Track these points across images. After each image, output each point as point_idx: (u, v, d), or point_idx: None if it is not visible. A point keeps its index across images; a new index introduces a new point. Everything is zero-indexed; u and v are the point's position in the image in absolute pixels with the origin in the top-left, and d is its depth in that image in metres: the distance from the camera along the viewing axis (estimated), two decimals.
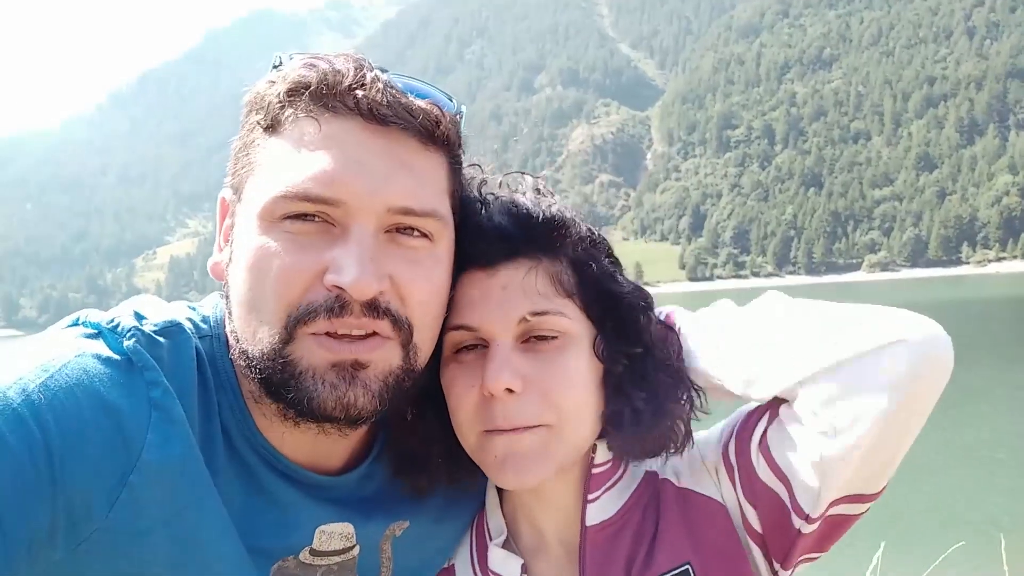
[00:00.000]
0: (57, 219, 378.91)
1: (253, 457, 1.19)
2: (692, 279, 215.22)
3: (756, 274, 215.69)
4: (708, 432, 1.38)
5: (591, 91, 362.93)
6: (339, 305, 1.08)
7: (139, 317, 1.12)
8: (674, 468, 1.38)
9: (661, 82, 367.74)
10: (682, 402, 1.31)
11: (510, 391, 1.22)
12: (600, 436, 1.34)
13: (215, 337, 1.20)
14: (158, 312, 1.15)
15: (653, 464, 1.38)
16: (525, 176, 1.37)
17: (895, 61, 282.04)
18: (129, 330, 1.08)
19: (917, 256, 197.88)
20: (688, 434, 1.33)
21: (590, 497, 1.32)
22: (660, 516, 1.33)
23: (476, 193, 1.31)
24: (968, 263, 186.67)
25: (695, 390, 1.32)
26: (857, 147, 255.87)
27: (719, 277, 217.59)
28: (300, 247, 1.09)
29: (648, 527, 1.32)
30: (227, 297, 1.18)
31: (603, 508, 1.32)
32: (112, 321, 1.09)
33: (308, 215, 1.09)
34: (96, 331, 1.08)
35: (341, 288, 1.07)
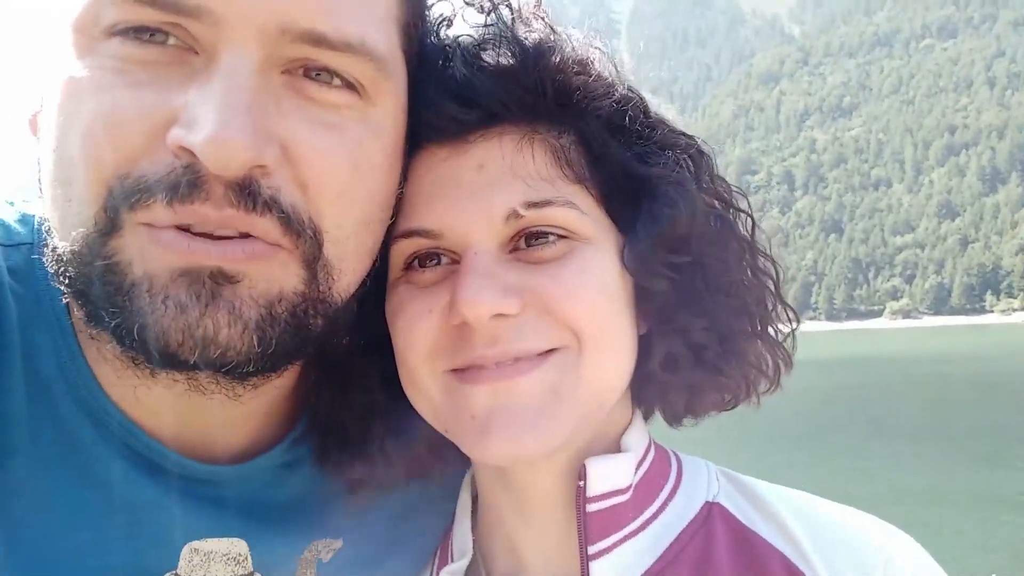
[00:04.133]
0: None
1: (85, 427, 0.78)
2: None
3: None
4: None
5: None
6: (187, 180, 0.67)
7: None
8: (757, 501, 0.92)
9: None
10: (765, 328, 0.92)
11: (501, 316, 0.79)
12: (648, 395, 0.94)
13: (35, 246, 0.79)
14: None
15: (718, 491, 0.93)
16: None
17: (915, 110, 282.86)
18: None
19: (940, 304, 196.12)
20: (778, 375, 0.93)
21: (592, 550, 0.85)
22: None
23: (438, 35, 0.87)
24: (992, 311, 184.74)
25: (785, 308, 0.92)
26: (878, 194, 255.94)
27: None
28: (135, 83, 0.68)
29: None
30: (38, 163, 0.76)
31: (619, 567, 0.85)
32: None
33: (154, 31, 0.68)
34: None
35: (192, 154, 0.66)
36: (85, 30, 0.68)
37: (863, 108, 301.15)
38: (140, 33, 0.67)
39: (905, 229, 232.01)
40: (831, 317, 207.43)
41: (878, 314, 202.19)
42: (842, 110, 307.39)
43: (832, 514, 0.90)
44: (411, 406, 0.88)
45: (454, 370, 0.82)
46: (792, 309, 0.93)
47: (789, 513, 0.88)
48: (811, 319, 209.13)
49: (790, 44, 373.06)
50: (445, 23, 0.87)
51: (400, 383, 0.88)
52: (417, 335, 0.82)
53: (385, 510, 0.96)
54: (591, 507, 0.84)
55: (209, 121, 0.64)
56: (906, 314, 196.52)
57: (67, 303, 0.78)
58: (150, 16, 0.66)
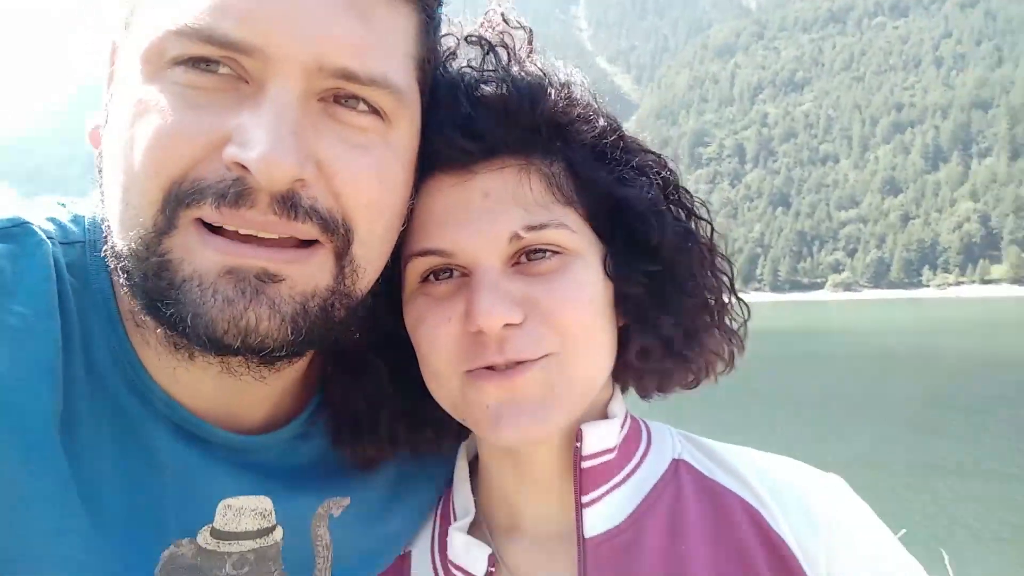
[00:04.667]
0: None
1: (134, 403, 0.88)
2: None
3: None
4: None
5: None
6: (237, 191, 0.76)
7: None
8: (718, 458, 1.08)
9: (636, 97, 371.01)
10: (723, 321, 1.08)
11: (509, 325, 0.92)
12: (625, 376, 1.09)
13: (89, 244, 0.89)
14: (3, 209, 0.85)
15: (682, 450, 1.10)
16: (515, 29, 1.03)
17: (865, 86, 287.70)
18: None
19: (879, 278, 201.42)
20: (732, 358, 1.10)
21: (586, 499, 1.00)
22: (687, 523, 1.01)
23: (447, 69, 0.98)
24: (929, 286, 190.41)
25: (739, 302, 1.09)
26: (825, 169, 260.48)
27: None
28: (195, 105, 0.77)
29: (677, 539, 0.99)
30: (99, 171, 0.86)
31: (607, 512, 1.00)
32: None
33: (211, 61, 0.78)
34: None
35: (245, 168, 0.76)
36: (152, 60, 0.77)
37: (815, 83, 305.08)
38: (199, 63, 0.77)
39: (849, 204, 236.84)
40: (775, 288, 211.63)
41: (820, 286, 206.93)
42: (794, 85, 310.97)
43: (783, 465, 1.08)
44: (413, 394, 1.03)
45: (469, 371, 0.94)
46: (745, 304, 1.08)
47: (742, 464, 1.05)
48: (756, 290, 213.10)
49: (746, 17, 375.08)
50: (451, 56, 0.98)
51: (405, 376, 1.02)
52: (439, 341, 0.95)
53: (386, 473, 1.09)
54: (585, 464, 0.99)
55: (261, 142, 0.74)
56: (847, 287, 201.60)
57: (115, 294, 0.87)
58: (209, 51, 0.76)
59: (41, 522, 0.78)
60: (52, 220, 0.88)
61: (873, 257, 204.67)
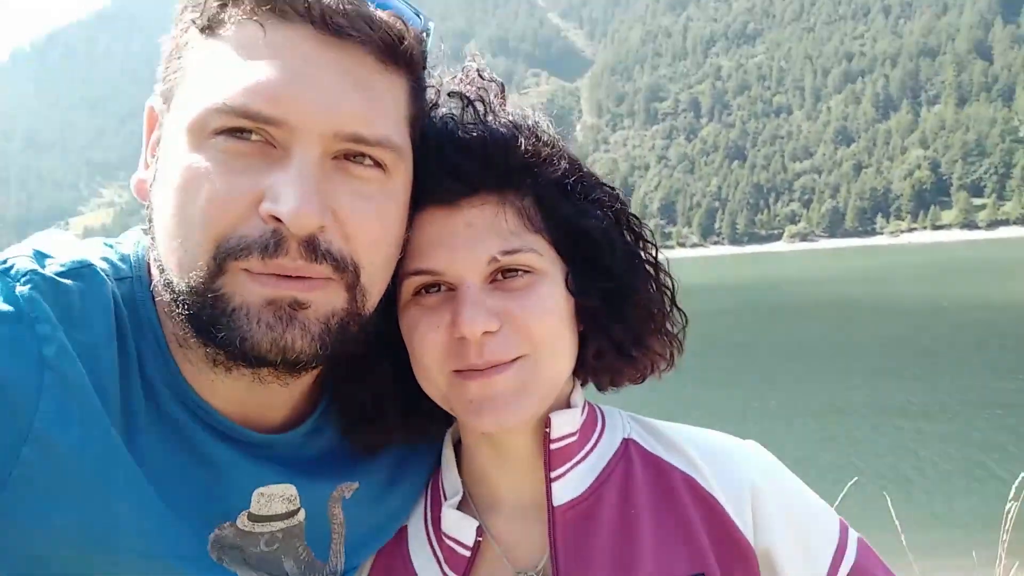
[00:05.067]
0: None
1: (180, 411, 1.07)
2: None
3: (682, 244, 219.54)
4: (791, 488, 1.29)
5: (521, 61, 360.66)
6: (275, 242, 0.96)
7: (40, 257, 0.98)
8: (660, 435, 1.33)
9: (590, 53, 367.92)
10: (666, 326, 1.29)
11: (488, 333, 1.14)
12: (584, 373, 1.31)
13: (136, 279, 1.07)
14: (66, 251, 1.01)
15: (631, 430, 1.33)
16: (488, 83, 1.24)
17: (815, 37, 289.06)
18: (24, 274, 0.93)
19: (835, 227, 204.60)
20: (672, 357, 1.33)
21: (554, 475, 1.23)
22: (637, 491, 1.25)
23: (432, 118, 1.18)
24: (882, 233, 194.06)
25: (679, 312, 1.31)
26: (779, 121, 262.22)
27: None
28: (234, 169, 0.95)
29: (628, 504, 1.23)
30: (150, 220, 1.05)
31: (572, 485, 1.23)
32: (5, 262, 0.95)
33: (246, 131, 0.96)
34: None
35: (278, 220, 0.95)
36: (196, 131, 0.96)
37: (766, 35, 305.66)
38: (236, 133, 0.95)
39: (804, 155, 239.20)
40: (734, 241, 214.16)
41: (778, 237, 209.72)
42: (746, 37, 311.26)
43: (711, 437, 1.32)
44: (408, 389, 1.23)
45: (455, 371, 1.16)
46: (683, 312, 1.32)
47: (679, 439, 1.30)
48: (715, 244, 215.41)
49: None
50: (435, 106, 1.19)
51: (403, 374, 1.23)
52: (429, 345, 1.16)
53: (386, 459, 1.30)
54: (553, 446, 1.23)
55: (291, 198, 0.94)
56: (803, 237, 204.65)
57: (160, 321, 1.06)
58: (244, 123, 0.95)
59: (125, 504, 0.97)
60: (105, 259, 1.06)
61: (828, 207, 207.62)
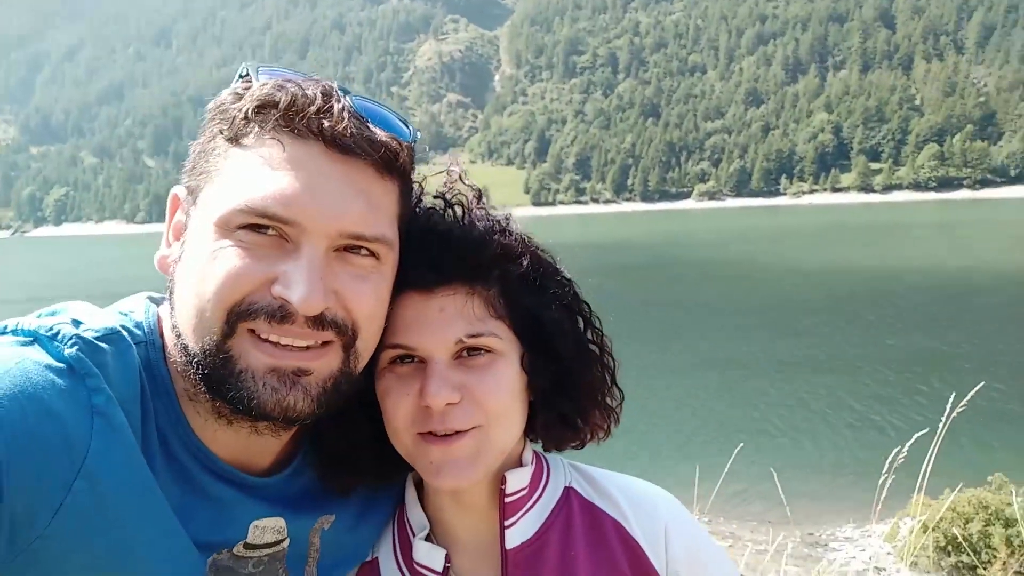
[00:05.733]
0: None
1: (188, 458, 1.22)
2: (536, 204, 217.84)
3: (596, 200, 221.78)
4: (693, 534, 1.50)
5: (439, 5, 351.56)
6: (282, 314, 1.14)
7: (77, 324, 1.13)
8: (596, 484, 1.53)
9: (510, 1, 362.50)
10: (606, 403, 1.50)
11: (450, 404, 1.31)
12: (533, 439, 1.52)
13: (149, 343, 1.23)
14: (96, 319, 1.18)
15: (571, 478, 1.53)
16: (468, 187, 1.44)
17: None
18: (70, 337, 1.09)
19: (741, 186, 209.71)
20: (609, 428, 1.53)
21: (507, 523, 1.42)
22: (575, 535, 1.45)
23: (416, 212, 1.38)
24: (785, 194, 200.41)
25: (618, 389, 1.51)
26: (693, 80, 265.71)
27: (561, 203, 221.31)
28: (252, 255, 1.14)
29: (568, 547, 1.44)
30: (171, 292, 1.23)
31: (521, 531, 1.43)
32: (51, 328, 1.10)
33: (263, 227, 1.14)
34: (31, 338, 1.09)
35: (287, 300, 1.13)
36: (222, 226, 1.14)
37: None
38: (255, 228, 1.14)
39: (715, 115, 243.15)
40: (645, 198, 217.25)
41: (687, 195, 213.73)
42: None
43: (635, 486, 1.54)
44: (382, 443, 1.41)
45: (419, 433, 1.34)
46: (620, 390, 1.52)
47: (612, 488, 1.51)
48: (628, 200, 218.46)
49: None
50: (419, 201, 1.39)
51: (376, 428, 1.41)
52: (399, 409, 1.34)
53: (357, 496, 1.48)
54: (507, 499, 1.42)
55: (301, 286, 1.13)
56: (712, 196, 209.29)
57: (171, 379, 1.22)
58: (263, 221, 1.13)
59: (154, 531, 1.13)
60: (124, 327, 1.20)
61: (736, 167, 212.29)
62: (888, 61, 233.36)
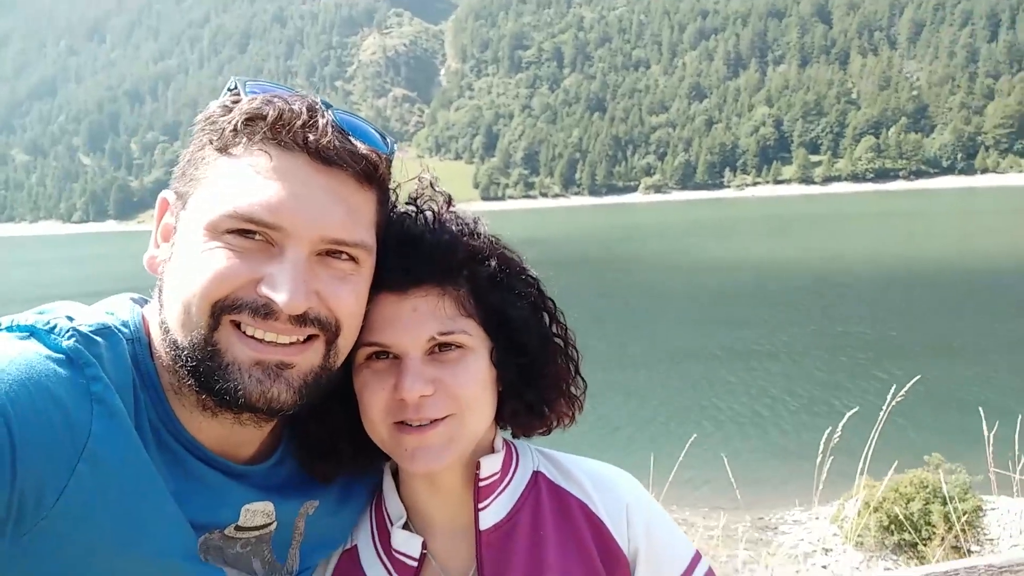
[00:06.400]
0: None
1: (178, 447, 1.28)
2: (485, 199, 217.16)
3: (544, 195, 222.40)
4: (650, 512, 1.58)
5: None
6: (266, 311, 1.20)
7: (70, 319, 1.19)
8: (561, 467, 1.62)
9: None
10: (570, 392, 1.57)
11: (424, 396, 1.38)
12: (503, 426, 1.59)
13: (136, 340, 1.28)
14: (87, 316, 1.23)
15: (539, 463, 1.61)
16: (437, 194, 1.50)
17: None
18: (67, 330, 1.15)
19: (687, 179, 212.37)
20: (574, 416, 1.60)
21: (480, 506, 1.50)
22: (544, 516, 1.53)
23: (392, 217, 1.44)
24: (729, 187, 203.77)
25: (582, 379, 1.59)
26: (638, 75, 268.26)
27: (511, 197, 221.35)
28: (239, 257, 1.20)
29: (537, 527, 1.52)
30: (160, 291, 1.28)
31: (494, 512, 1.51)
32: (48, 323, 1.15)
33: (250, 232, 1.20)
34: (28, 332, 1.15)
35: (272, 300, 1.20)
36: (211, 230, 1.20)
37: None
38: (243, 232, 1.20)
39: (660, 109, 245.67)
40: (593, 192, 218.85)
41: (634, 189, 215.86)
42: None
43: (598, 468, 1.62)
44: (359, 434, 1.48)
45: (395, 423, 1.41)
46: (584, 380, 1.60)
47: (577, 471, 1.60)
48: (576, 194, 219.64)
49: None
50: (394, 207, 1.46)
51: (354, 420, 1.47)
52: (375, 402, 1.41)
53: (338, 483, 1.55)
54: (481, 483, 1.50)
55: (285, 287, 1.19)
56: (658, 189, 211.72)
57: (157, 373, 1.28)
58: (250, 226, 1.19)
59: (153, 510, 1.19)
60: (112, 324, 1.26)
61: (681, 160, 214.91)
62: (826, 56, 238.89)
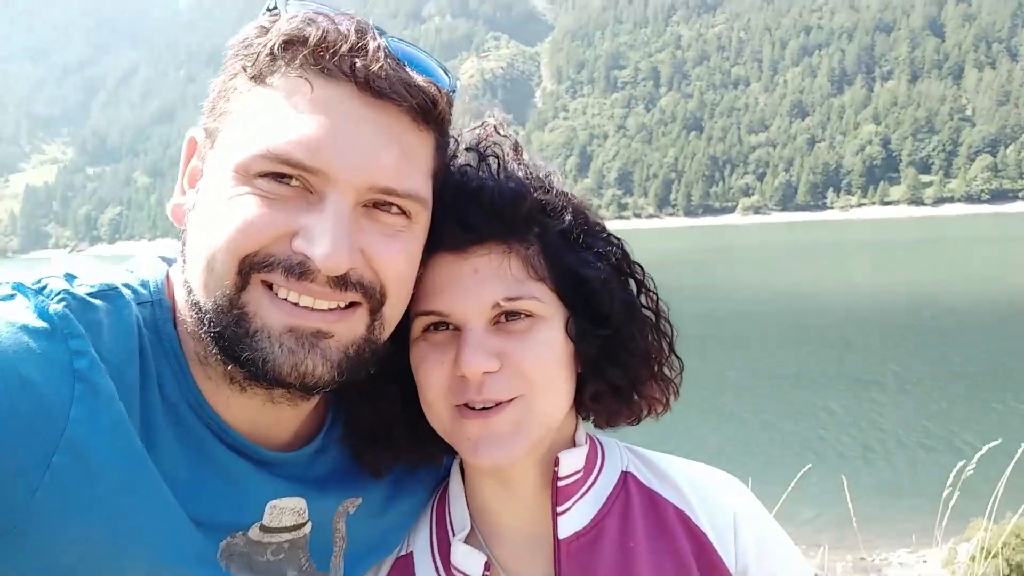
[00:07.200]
0: None
1: (199, 427, 1.13)
2: None
3: (638, 215, 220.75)
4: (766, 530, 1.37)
5: (481, 23, 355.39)
6: (301, 270, 1.04)
7: (70, 279, 1.04)
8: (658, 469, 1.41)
9: (551, 17, 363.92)
10: (663, 373, 1.36)
11: (488, 372, 1.21)
12: (585, 417, 1.39)
13: (156, 303, 1.13)
14: (94, 276, 1.08)
15: (629, 463, 1.41)
16: (503, 138, 1.32)
17: (775, 8, 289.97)
18: (58, 292, 1.00)
19: (787, 200, 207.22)
20: (668, 402, 1.40)
21: (560, 509, 1.30)
22: (634, 523, 1.33)
23: (450, 167, 1.27)
24: (832, 208, 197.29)
25: (677, 358, 1.38)
26: (736, 92, 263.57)
27: (604, 218, 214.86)
28: (272, 205, 1.04)
29: (626, 536, 1.31)
30: (183, 244, 1.12)
31: (575, 518, 1.31)
32: (39, 281, 1.01)
33: (286, 176, 1.04)
34: (14, 292, 0.99)
35: (308, 257, 1.03)
36: (241, 173, 1.04)
37: (727, 5, 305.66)
38: (277, 177, 1.03)
39: (759, 128, 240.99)
40: (689, 213, 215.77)
41: (732, 210, 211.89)
42: (707, 6, 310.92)
43: (699, 471, 1.42)
44: (418, 419, 1.31)
45: (456, 405, 1.24)
46: (679, 358, 1.38)
47: (672, 472, 1.39)
48: (670, 215, 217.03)
49: None
50: (454, 157, 1.27)
51: (409, 401, 1.31)
52: (434, 379, 1.25)
53: (387, 478, 1.37)
54: (561, 483, 1.31)
55: (325, 242, 1.02)
56: (756, 210, 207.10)
57: (180, 341, 1.12)
58: (286, 169, 1.03)
59: (147, 509, 1.02)
60: (127, 285, 1.11)
61: (781, 180, 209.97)
62: (938, 70, 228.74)
